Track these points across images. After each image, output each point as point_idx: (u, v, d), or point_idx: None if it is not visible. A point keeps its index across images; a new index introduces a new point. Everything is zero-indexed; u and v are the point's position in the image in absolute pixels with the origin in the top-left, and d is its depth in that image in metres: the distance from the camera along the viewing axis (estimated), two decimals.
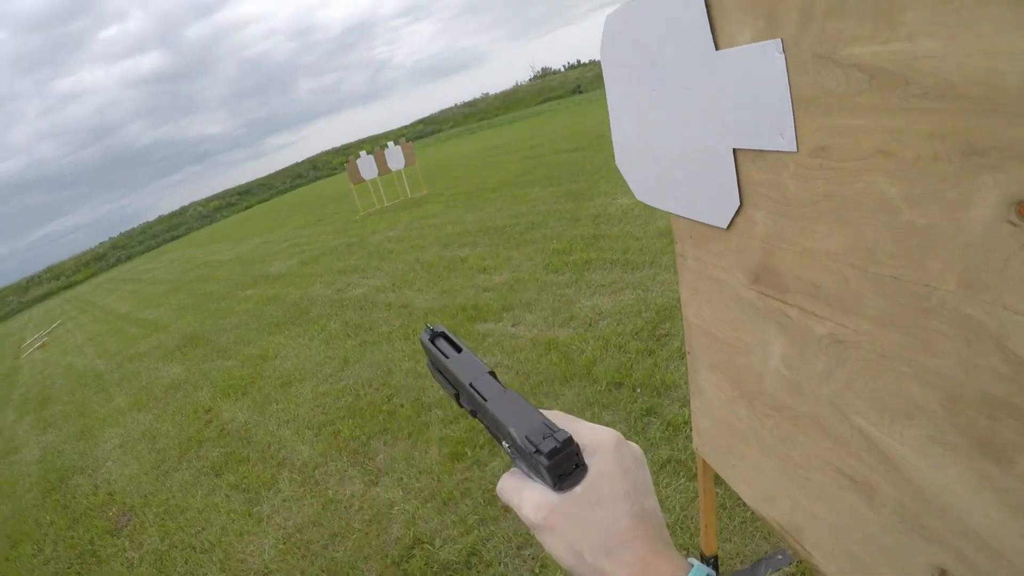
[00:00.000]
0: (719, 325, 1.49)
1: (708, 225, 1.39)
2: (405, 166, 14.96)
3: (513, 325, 5.05)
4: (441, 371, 0.64)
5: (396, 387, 4.59)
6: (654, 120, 1.47)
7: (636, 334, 4.15)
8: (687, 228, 1.52)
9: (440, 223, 10.62)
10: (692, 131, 1.32)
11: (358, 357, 5.46)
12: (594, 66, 54.98)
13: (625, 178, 1.69)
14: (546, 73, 61.69)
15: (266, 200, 45.47)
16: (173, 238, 43.38)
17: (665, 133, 1.44)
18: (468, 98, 61.44)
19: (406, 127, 48.27)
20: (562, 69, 61.32)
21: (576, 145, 15.30)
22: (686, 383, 3.44)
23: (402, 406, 4.26)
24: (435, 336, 0.66)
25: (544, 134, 21.80)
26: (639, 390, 3.46)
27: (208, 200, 51.39)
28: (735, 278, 1.35)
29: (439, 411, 4.02)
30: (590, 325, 4.57)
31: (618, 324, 4.40)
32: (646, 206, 8.20)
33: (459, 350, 0.63)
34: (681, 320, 4.45)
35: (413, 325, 5.79)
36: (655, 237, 6.16)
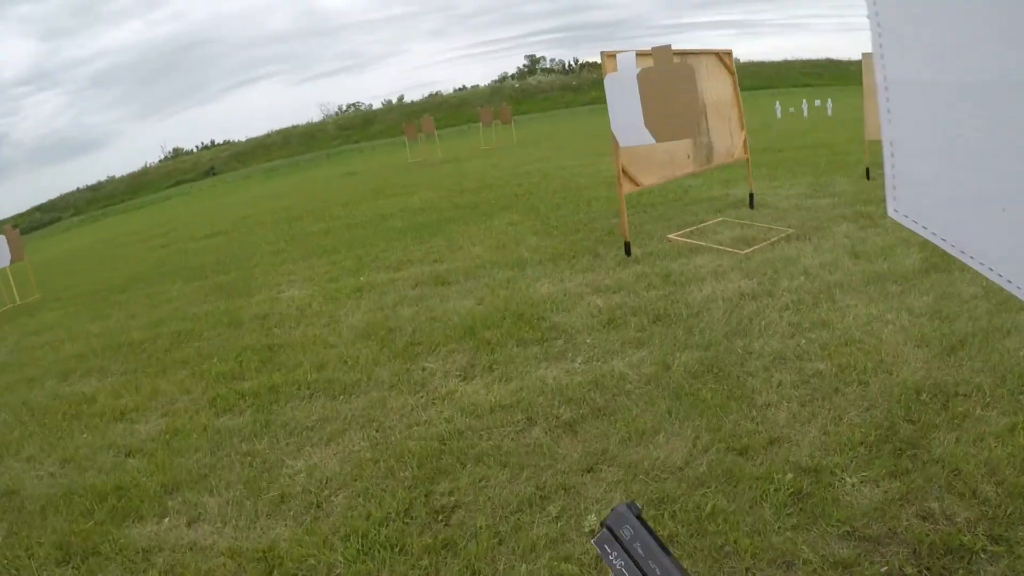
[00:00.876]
0: None
1: None
2: (12, 262, 11.02)
3: (189, 524, 3.01)
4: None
5: None
6: None
7: (408, 516, 2.64)
8: None
9: (57, 339, 7.42)
10: None
11: None
12: (229, 146, 53.50)
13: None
14: (178, 154, 58.01)
15: None
16: None
17: None
18: (92, 181, 56.00)
19: (21, 215, 40.87)
20: (195, 149, 58.70)
21: (215, 230, 13.04)
22: None
23: None
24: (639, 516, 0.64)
25: (178, 219, 18.79)
26: None
27: None
28: None
29: None
30: (319, 507, 2.89)
31: (365, 500, 2.83)
32: (327, 299, 6.73)
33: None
34: (473, 484, 3.04)
35: (23, 543, 3.30)
36: (355, 341, 4.70)
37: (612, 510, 0.65)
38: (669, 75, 4.59)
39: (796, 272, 4.75)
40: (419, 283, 5.79)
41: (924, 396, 3.03)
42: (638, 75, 4.67)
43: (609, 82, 4.86)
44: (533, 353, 3.85)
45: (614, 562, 0.63)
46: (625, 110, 4.76)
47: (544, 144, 21.33)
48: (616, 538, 0.64)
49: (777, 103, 24.15)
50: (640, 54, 4.80)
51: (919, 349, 3.50)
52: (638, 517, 0.63)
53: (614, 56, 4.85)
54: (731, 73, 6.22)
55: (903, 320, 3.86)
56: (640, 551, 0.62)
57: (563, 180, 11.58)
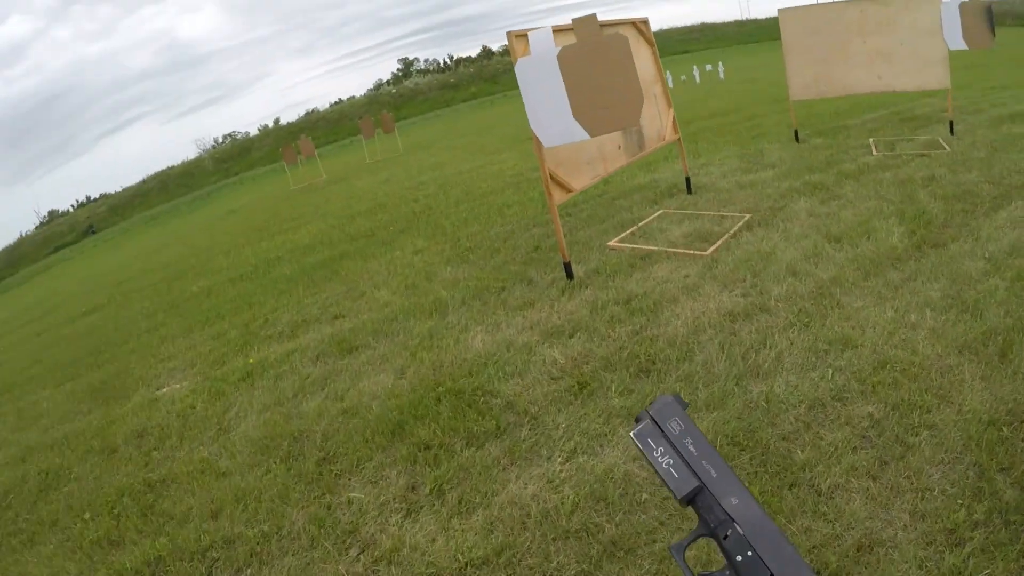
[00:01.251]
0: None
1: None
2: None
3: None
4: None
5: None
6: None
7: None
8: None
9: None
10: None
11: None
12: (105, 200, 50.29)
13: None
14: (53, 217, 55.31)
15: None
16: None
17: None
18: None
19: None
20: (71, 209, 56.33)
21: (94, 303, 11.30)
22: None
23: None
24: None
25: (56, 296, 16.58)
26: None
27: None
28: None
29: None
30: None
31: None
32: (212, 394, 5.40)
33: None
34: None
35: None
36: (253, 463, 3.52)
37: (655, 399, 0.57)
38: (599, 51, 3.66)
39: (780, 272, 3.96)
40: (320, 354, 4.67)
41: (1005, 430, 2.35)
42: (558, 55, 3.73)
43: (522, 68, 3.87)
44: (492, 457, 2.83)
45: (660, 459, 0.54)
46: (546, 101, 3.81)
47: (432, 149, 20.22)
48: (662, 432, 0.55)
49: (668, 72, 24.03)
50: (557, 30, 3.87)
51: (965, 360, 2.80)
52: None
53: (525, 36, 3.88)
54: (650, 44, 5.39)
55: (928, 320, 3.15)
56: (692, 449, 0.53)
57: (464, 187, 10.59)
